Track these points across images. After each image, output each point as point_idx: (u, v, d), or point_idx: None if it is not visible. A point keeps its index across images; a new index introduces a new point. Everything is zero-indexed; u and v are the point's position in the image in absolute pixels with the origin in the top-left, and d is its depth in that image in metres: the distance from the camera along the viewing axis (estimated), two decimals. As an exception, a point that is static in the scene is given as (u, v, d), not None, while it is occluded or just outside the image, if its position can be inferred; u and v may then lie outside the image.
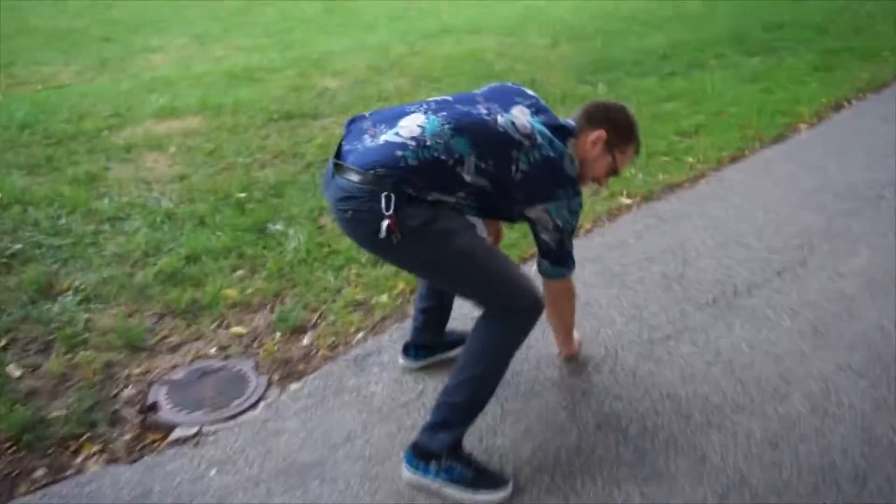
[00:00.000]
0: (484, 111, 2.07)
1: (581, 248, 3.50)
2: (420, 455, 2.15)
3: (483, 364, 2.15)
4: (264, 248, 3.43)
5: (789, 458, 2.28)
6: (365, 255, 3.39)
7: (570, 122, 2.22)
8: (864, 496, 2.16)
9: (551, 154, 2.05)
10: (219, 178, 4.02)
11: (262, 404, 2.58)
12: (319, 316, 3.02)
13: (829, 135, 5.06)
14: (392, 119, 2.07)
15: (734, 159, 4.65)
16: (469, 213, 2.13)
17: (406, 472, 2.17)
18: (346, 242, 3.46)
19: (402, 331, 2.92)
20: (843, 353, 2.77)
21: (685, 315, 3.02)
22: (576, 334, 2.71)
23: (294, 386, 2.66)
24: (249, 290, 3.14)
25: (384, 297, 3.13)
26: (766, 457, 2.30)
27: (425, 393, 2.60)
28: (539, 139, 2.04)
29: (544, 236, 2.15)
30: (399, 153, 1.96)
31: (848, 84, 5.98)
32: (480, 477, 2.16)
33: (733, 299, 3.13)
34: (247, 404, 2.57)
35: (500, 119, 2.04)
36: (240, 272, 3.27)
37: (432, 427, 2.16)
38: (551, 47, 7.13)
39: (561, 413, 2.50)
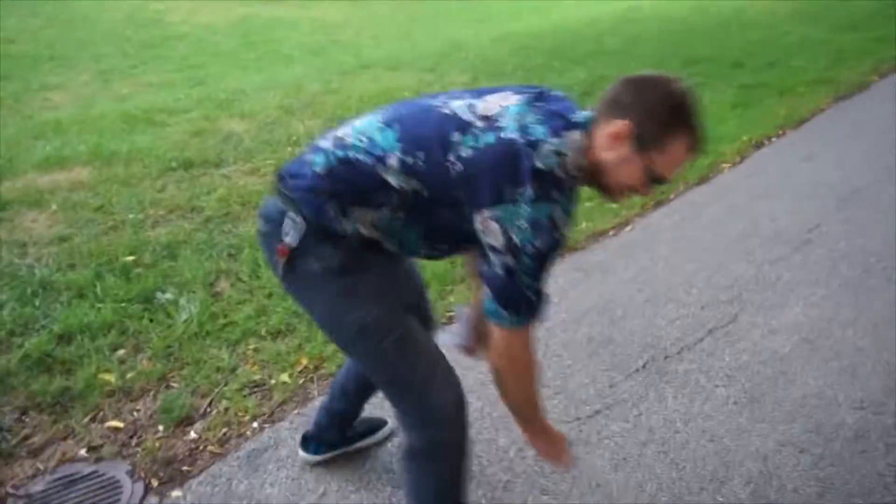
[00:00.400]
0: (438, 100, 1.64)
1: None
2: None
3: None
4: (151, 321, 3.05)
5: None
6: (265, 327, 3.07)
7: (587, 112, 1.60)
8: None
9: (512, 137, 1.48)
10: (104, 240, 3.63)
11: (136, 519, 2.22)
12: (210, 402, 2.67)
13: (753, 175, 4.98)
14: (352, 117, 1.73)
15: (659, 203, 4.50)
16: (410, 244, 1.66)
17: None
18: (244, 312, 3.13)
19: (304, 417, 2.60)
20: (782, 425, 2.58)
21: (614, 385, 2.79)
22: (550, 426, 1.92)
23: (176, 493, 2.31)
24: (130, 374, 2.77)
25: (285, 377, 2.81)
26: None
27: (328, 494, 2.28)
28: (502, 121, 1.52)
29: (491, 256, 1.51)
30: (309, 158, 1.63)
31: (767, 120, 5.96)
32: None
33: (664, 364, 2.92)
34: (118, 521, 2.21)
35: (453, 104, 1.59)
36: (121, 352, 2.89)
37: None
38: (471, 84, 6.94)
39: (480, 514, 2.22)
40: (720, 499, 2.26)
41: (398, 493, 2.28)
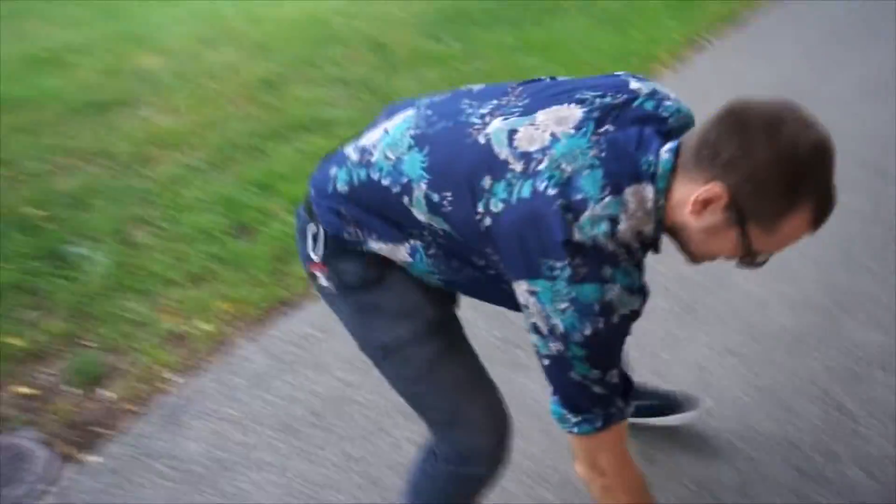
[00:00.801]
0: (479, 111, 1.26)
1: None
2: None
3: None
4: (61, 278, 2.88)
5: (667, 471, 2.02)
6: (183, 273, 2.92)
7: (669, 147, 1.16)
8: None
9: (549, 194, 1.11)
10: (8, 194, 3.40)
11: (54, 490, 2.11)
12: (125, 359, 2.54)
13: (691, 80, 4.85)
14: (386, 113, 1.44)
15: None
16: (445, 282, 1.39)
17: None
18: (161, 261, 2.97)
19: (226, 367, 2.49)
20: (717, 332, 2.54)
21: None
22: None
23: (93, 458, 2.19)
24: (40, 337, 2.61)
25: (206, 325, 2.67)
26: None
27: (254, 446, 2.19)
28: (545, 163, 1.14)
29: (535, 340, 1.20)
30: (332, 171, 1.37)
31: (703, 20, 5.81)
32: None
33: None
34: (35, 493, 2.09)
35: (492, 126, 1.22)
36: (29, 313, 2.72)
37: None
38: (405, 4, 6.62)
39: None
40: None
41: (329, 441, 2.20)
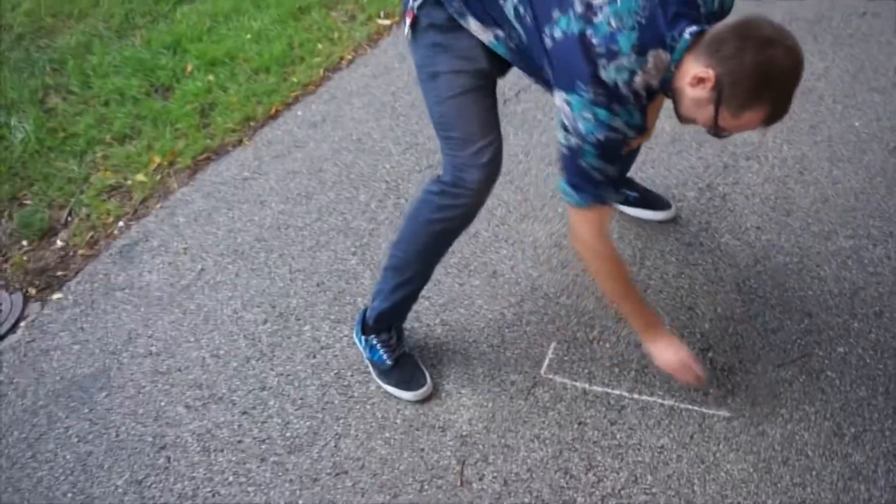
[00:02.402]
0: None
1: (344, 81, 3.36)
2: (361, 322, 2.05)
3: (403, 234, 1.88)
4: (-14, 146, 2.93)
5: (573, 257, 2.35)
6: (108, 133, 3.01)
7: (693, 30, 1.47)
8: (642, 273, 2.30)
9: (593, 41, 1.45)
10: None
11: (22, 325, 2.29)
12: (69, 212, 2.68)
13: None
14: None
15: None
16: (513, 63, 1.72)
17: (354, 334, 2.13)
18: (84, 123, 3.05)
19: (168, 209, 2.66)
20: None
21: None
22: (669, 336, 1.88)
23: (56, 296, 2.37)
24: (-22, 200, 2.71)
25: (140, 176, 2.81)
26: (554, 259, 2.36)
27: (206, 270, 2.41)
28: (598, 17, 1.46)
29: (560, 135, 1.58)
30: None
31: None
32: (396, 370, 2.01)
33: (503, 107, 3.10)
34: (4, 329, 2.27)
35: None
36: (-39, 181, 2.79)
37: (374, 290, 2.00)
38: None
39: (351, 259, 2.42)
40: (560, 211, 2.54)
41: (275, 259, 2.44)
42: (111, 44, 3.62)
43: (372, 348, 2.02)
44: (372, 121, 3.05)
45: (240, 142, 3.00)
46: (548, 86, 1.64)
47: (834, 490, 1.76)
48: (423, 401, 1.98)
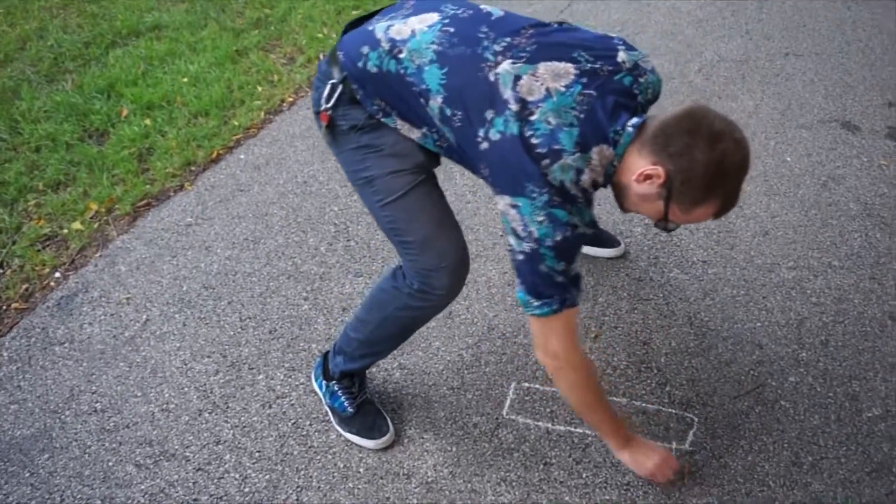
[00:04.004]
0: (490, 49, 1.47)
1: (286, 123, 3.33)
2: (322, 367, 2.00)
3: (370, 313, 1.81)
4: None
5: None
6: (41, 181, 2.90)
7: (634, 122, 1.44)
8: (596, 310, 2.32)
9: (534, 142, 1.39)
10: None
11: (-48, 385, 2.16)
12: (1, 264, 2.55)
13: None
14: (413, 9, 1.61)
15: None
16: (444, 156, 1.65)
17: (312, 374, 2.09)
18: (13, 170, 2.93)
19: (108, 258, 2.56)
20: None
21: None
22: (648, 446, 1.81)
23: (-11, 354, 2.24)
24: None
25: (77, 224, 2.71)
26: (508, 298, 2.36)
27: (152, 321, 2.32)
28: (536, 115, 1.40)
29: (512, 241, 1.47)
30: (365, 49, 1.55)
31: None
32: (358, 418, 1.94)
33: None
34: (-68, 390, 2.13)
35: (501, 66, 1.44)
36: None
37: (335, 346, 1.95)
38: None
39: (303, 305, 2.37)
40: (512, 249, 2.55)
41: (224, 307, 2.37)
42: (40, 88, 3.51)
43: (333, 395, 1.96)
44: (317, 163, 3.02)
45: (181, 187, 2.93)
46: (483, 179, 1.55)
47: (797, 519, 1.78)
48: (386, 448, 1.93)
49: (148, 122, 3.26)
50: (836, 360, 2.16)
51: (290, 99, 3.53)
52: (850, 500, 1.81)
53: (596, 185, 1.48)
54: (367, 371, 2.02)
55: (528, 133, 1.39)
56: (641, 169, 1.41)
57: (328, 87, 1.59)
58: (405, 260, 1.68)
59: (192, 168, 3.03)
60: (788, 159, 3.03)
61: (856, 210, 2.75)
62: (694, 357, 2.18)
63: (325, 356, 2.00)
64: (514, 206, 1.43)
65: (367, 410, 1.96)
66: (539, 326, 1.57)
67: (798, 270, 2.47)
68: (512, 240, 1.47)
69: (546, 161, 1.39)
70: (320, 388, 2.01)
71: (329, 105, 1.59)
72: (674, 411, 2.02)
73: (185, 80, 3.58)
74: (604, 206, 2.69)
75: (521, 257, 1.47)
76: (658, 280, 2.44)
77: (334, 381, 1.96)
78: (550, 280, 1.47)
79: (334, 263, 2.53)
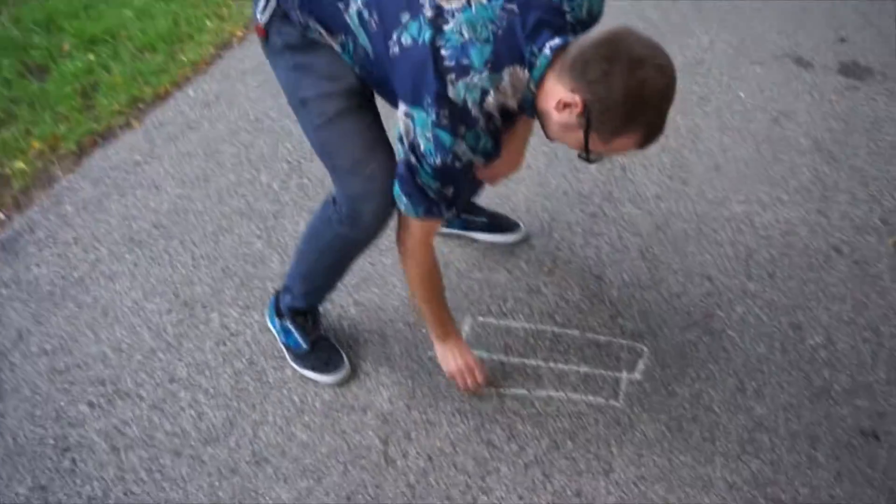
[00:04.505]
0: None
1: (236, 59, 3.24)
2: (274, 306, 2.00)
3: (307, 244, 1.81)
4: None
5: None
6: (-19, 118, 2.80)
7: (553, 44, 1.35)
8: (551, 245, 2.34)
9: (444, 53, 1.33)
10: None
11: None
12: (-59, 205, 2.47)
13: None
14: None
15: None
16: (361, 75, 1.57)
17: (266, 314, 2.07)
18: (-49, 107, 2.81)
19: (53, 198, 2.50)
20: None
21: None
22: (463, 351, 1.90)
23: (-68, 296, 2.19)
24: None
25: (19, 163, 2.63)
26: (462, 234, 2.36)
27: (101, 261, 2.28)
28: (449, 25, 1.34)
29: (398, 148, 1.48)
30: None
31: None
32: (313, 354, 1.95)
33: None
34: None
35: None
36: None
37: (284, 283, 1.95)
38: None
39: (257, 243, 2.34)
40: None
41: (175, 246, 2.33)
42: (-24, 22, 3.35)
43: (287, 332, 1.96)
44: (269, 99, 2.95)
45: (128, 124, 2.85)
46: (392, 100, 1.52)
47: (740, 441, 1.84)
48: (342, 383, 1.94)
49: (91, 57, 3.15)
50: (782, 291, 2.22)
51: (241, 34, 3.43)
52: (791, 422, 1.88)
53: (506, 111, 1.41)
54: (320, 307, 2.02)
55: (440, 43, 1.33)
56: (559, 96, 1.33)
57: (262, 1, 1.54)
58: (336, 185, 1.65)
59: (140, 105, 2.95)
60: (742, 94, 3.05)
61: (806, 145, 2.79)
62: (645, 290, 2.21)
63: (278, 295, 1.99)
64: (409, 116, 1.39)
65: (322, 346, 1.97)
66: (402, 219, 1.62)
67: (748, 204, 2.51)
68: (398, 147, 1.47)
69: (451, 76, 1.32)
70: (274, 326, 2.01)
71: (263, 18, 1.54)
72: (625, 342, 2.07)
73: (130, 13, 3.46)
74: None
75: (402, 165, 1.48)
76: (612, 215, 2.46)
77: (287, 319, 1.96)
78: (423, 192, 1.49)
79: (288, 201, 2.50)
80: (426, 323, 1.89)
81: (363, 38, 1.46)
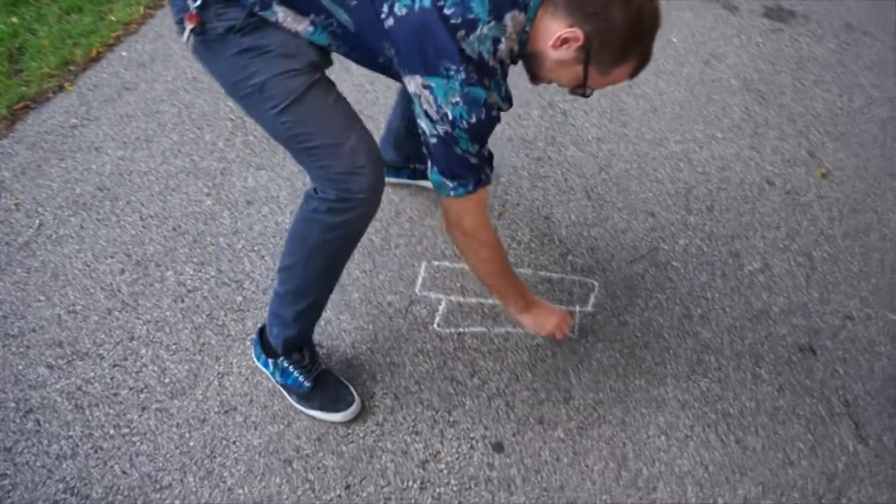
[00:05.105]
0: None
1: (169, 17, 3.12)
2: (262, 343, 1.81)
3: (293, 254, 1.60)
4: None
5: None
6: None
7: None
8: (499, 190, 2.39)
9: (448, 12, 1.30)
10: None
11: None
12: None
13: None
14: None
15: None
16: (337, 51, 1.49)
17: (252, 356, 1.87)
18: None
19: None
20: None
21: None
22: (544, 305, 1.88)
23: None
24: None
25: (-51, 131, 2.53)
26: (413, 184, 2.39)
27: (45, 225, 2.23)
28: None
29: (424, 125, 1.42)
30: None
31: None
32: (318, 392, 1.79)
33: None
34: None
35: None
36: None
37: (269, 315, 1.75)
38: None
39: (206, 200, 2.33)
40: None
41: (121, 207, 2.30)
42: None
43: (284, 372, 1.78)
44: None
45: (61, 87, 2.76)
46: (386, 70, 1.49)
47: (690, 363, 1.95)
48: (354, 417, 1.81)
49: (14, 19, 3.03)
50: (720, 223, 2.33)
51: (170, -8, 3.34)
52: (735, 343, 2.00)
53: (513, 55, 1.42)
54: (312, 337, 1.84)
55: (440, 3, 1.31)
56: (558, 33, 1.36)
57: None
58: (315, 169, 1.49)
59: (71, 68, 2.86)
60: (674, 39, 3.13)
61: (736, 85, 2.90)
62: (592, 227, 2.29)
63: (261, 333, 1.82)
64: (426, 87, 1.36)
65: (326, 381, 1.81)
66: (451, 205, 1.55)
67: (685, 143, 2.61)
68: (424, 123, 1.42)
69: (462, 32, 1.31)
70: (266, 367, 1.82)
71: (196, 4, 1.36)
72: (576, 278, 2.14)
73: (51, -27, 3.32)
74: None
75: (434, 140, 1.43)
76: (556, 158, 2.52)
77: (282, 358, 1.78)
78: (465, 162, 1.46)
79: (234, 158, 2.48)
80: (504, 300, 1.82)
81: (341, 15, 1.40)
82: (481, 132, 1.42)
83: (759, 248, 2.26)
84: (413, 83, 1.38)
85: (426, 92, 1.36)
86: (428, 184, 2.35)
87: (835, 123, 2.74)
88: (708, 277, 2.17)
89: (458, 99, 1.35)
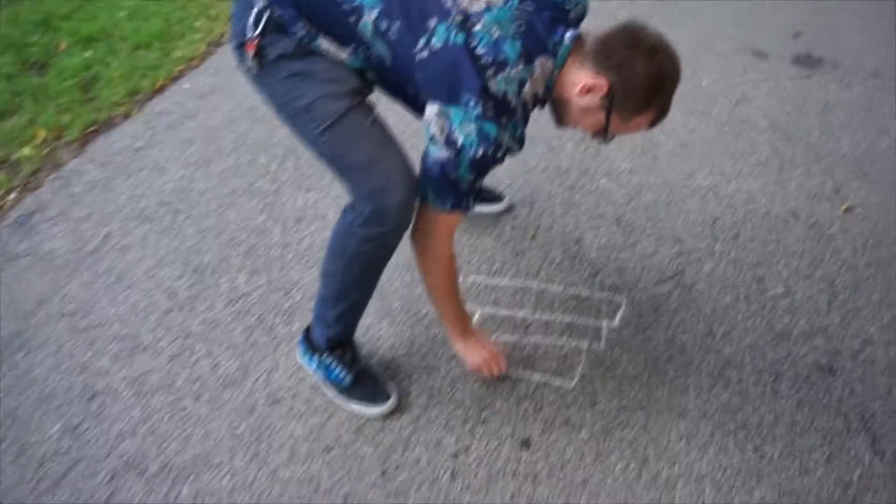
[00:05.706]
0: None
1: (228, 55, 3.36)
2: (308, 341, 1.93)
3: (333, 262, 1.73)
4: None
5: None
6: (-15, 109, 2.92)
7: (571, 35, 1.53)
8: (532, 216, 2.52)
9: (479, 53, 1.46)
10: None
11: (-83, 297, 2.22)
12: (-46, 188, 2.59)
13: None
14: None
15: None
16: (371, 78, 1.64)
17: (298, 354, 1.98)
18: (-44, 99, 2.94)
19: (62, 180, 2.63)
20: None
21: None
22: (481, 340, 1.96)
23: (-48, 269, 2.31)
24: None
25: (26, 150, 2.76)
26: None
27: (112, 235, 2.42)
28: (478, 27, 1.48)
29: (430, 148, 1.53)
30: None
31: None
32: (357, 387, 1.90)
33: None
34: None
35: None
36: None
37: (313, 316, 1.89)
38: None
39: (259, 217, 2.50)
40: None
41: (182, 220, 2.48)
42: (-27, 22, 3.48)
43: (327, 368, 1.90)
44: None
45: (128, 114, 2.99)
46: (412, 102, 1.61)
47: (711, 377, 2.04)
48: (391, 413, 1.93)
49: (89, 54, 3.29)
50: (746, 250, 2.43)
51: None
52: (757, 360, 2.08)
53: (536, 99, 1.56)
54: (353, 337, 1.95)
55: (473, 43, 1.46)
56: (584, 82, 1.51)
57: (253, 15, 1.52)
58: (352, 186, 1.61)
59: (138, 97, 3.10)
60: (704, 83, 3.28)
61: (764, 125, 3.02)
62: (621, 251, 2.41)
63: (307, 333, 1.94)
64: (443, 115, 1.48)
65: (366, 377, 1.93)
66: (427, 213, 1.65)
67: (713, 177, 2.73)
68: (431, 147, 1.53)
69: (490, 71, 1.46)
70: (311, 364, 1.93)
71: (256, 33, 1.52)
72: (604, 295, 2.25)
73: (122, 14, 3.61)
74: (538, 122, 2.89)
75: (434, 164, 1.53)
76: (588, 187, 2.66)
77: (326, 354, 1.89)
78: (454, 186, 1.56)
79: (285, 180, 2.66)
80: (444, 320, 1.93)
81: (380, 48, 1.54)
82: (483, 166, 1.53)
83: (782, 274, 2.35)
84: (431, 109, 1.51)
85: (441, 119, 1.49)
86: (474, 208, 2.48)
87: (860, 164, 2.84)
88: (731, 300, 2.26)
89: (471, 129, 1.47)
